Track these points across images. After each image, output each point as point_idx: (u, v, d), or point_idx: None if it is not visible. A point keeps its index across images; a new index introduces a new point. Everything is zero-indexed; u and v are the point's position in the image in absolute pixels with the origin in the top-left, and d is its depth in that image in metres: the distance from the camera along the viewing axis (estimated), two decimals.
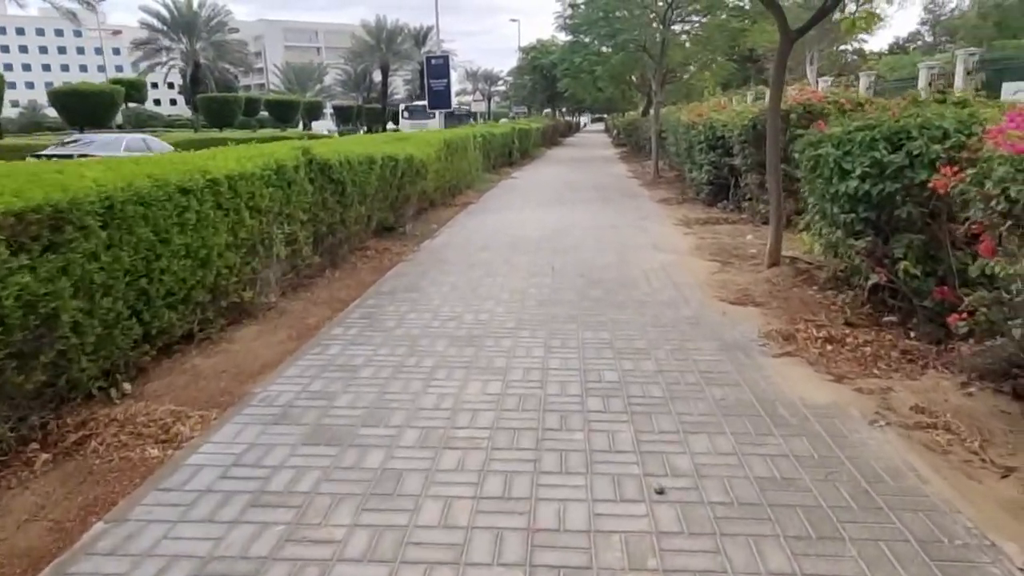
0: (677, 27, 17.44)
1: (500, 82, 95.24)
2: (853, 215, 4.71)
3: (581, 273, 7.21)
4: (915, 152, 4.32)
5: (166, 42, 45.04)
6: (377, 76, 73.90)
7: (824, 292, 6.08)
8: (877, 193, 4.46)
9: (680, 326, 5.36)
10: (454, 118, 42.35)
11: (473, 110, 49.58)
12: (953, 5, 59.29)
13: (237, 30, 46.14)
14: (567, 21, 16.72)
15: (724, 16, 16.39)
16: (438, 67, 34.81)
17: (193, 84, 45.10)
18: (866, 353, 4.57)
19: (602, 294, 6.38)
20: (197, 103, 43.48)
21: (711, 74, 23.78)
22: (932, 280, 4.58)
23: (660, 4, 16.60)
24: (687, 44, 18.51)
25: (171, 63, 46.46)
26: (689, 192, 13.56)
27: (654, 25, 16.80)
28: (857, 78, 31.41)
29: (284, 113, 51.93)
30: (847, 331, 4.99)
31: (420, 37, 76.26)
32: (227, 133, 39.43)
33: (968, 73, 20.33)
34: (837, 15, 7.21)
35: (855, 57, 55.14)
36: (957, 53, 21.00)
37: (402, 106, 52.66)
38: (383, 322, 5.56)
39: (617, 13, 17.07)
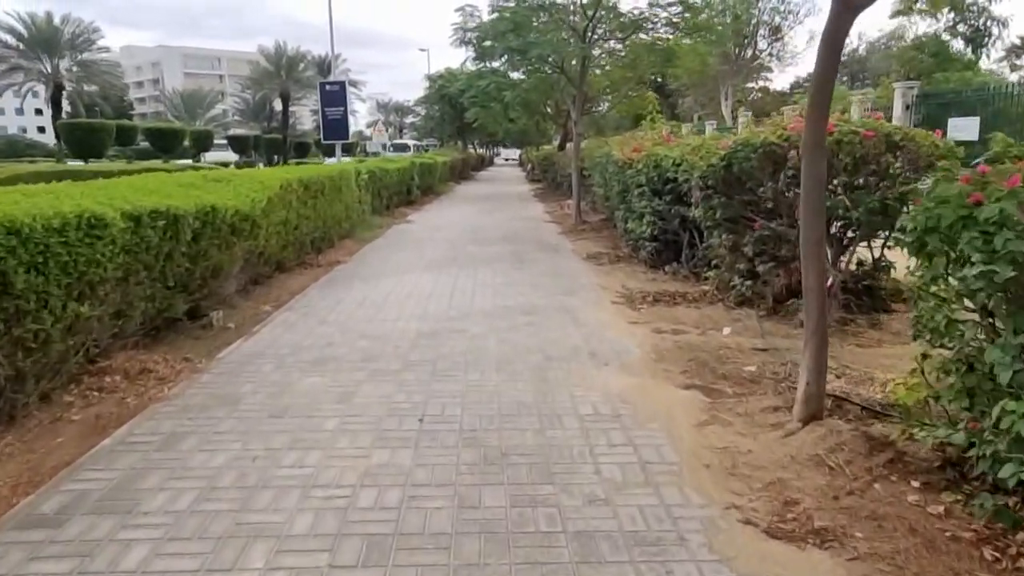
0: (597, 50, 14.74)
1: (411, 114, 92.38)
2: None
3: (471, 433, 3.97)
4: None
5: (23, 61, 39.49)
6: (279, 105, 69.59)
7: (937, 494, 3.09)
8: None
9: None
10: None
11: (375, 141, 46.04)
12: (853, 46, 60.98)
13: (108, 49, 41.21)
14: (466, 34, 13.70)
15: (651, 36, 13.78)
16: (334, 94, 31.36)
17: (55, 108, 39.66)
18: None
19: (508, 503, 3.15)
20: (58, 130, 38.11)
21: (629, 104, 21.46)
22: None
23: (578, 20, 13.85)
24: (608, 68, 15.84)
25: (29, 84, 40.86)
26: (623, 246, 10.66)
27: (572, 42, 14.01)
28: (776, 114, 29.88)
29: (167, 143, 46.94)
30: None
31: (325, 65, 72.32)
32: (94, 165, 34.49)
33: (907, 107, 18.70)
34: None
35: (760, 95, 55.40)
36: (895, 86, 19.41)
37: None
38: None
39: (532, 35, 14.17)
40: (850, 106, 20.00)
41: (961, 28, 29.97)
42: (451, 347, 5.69)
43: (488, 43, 14.41)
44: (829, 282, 5.90)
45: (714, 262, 7.29)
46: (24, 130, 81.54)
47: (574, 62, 15.08)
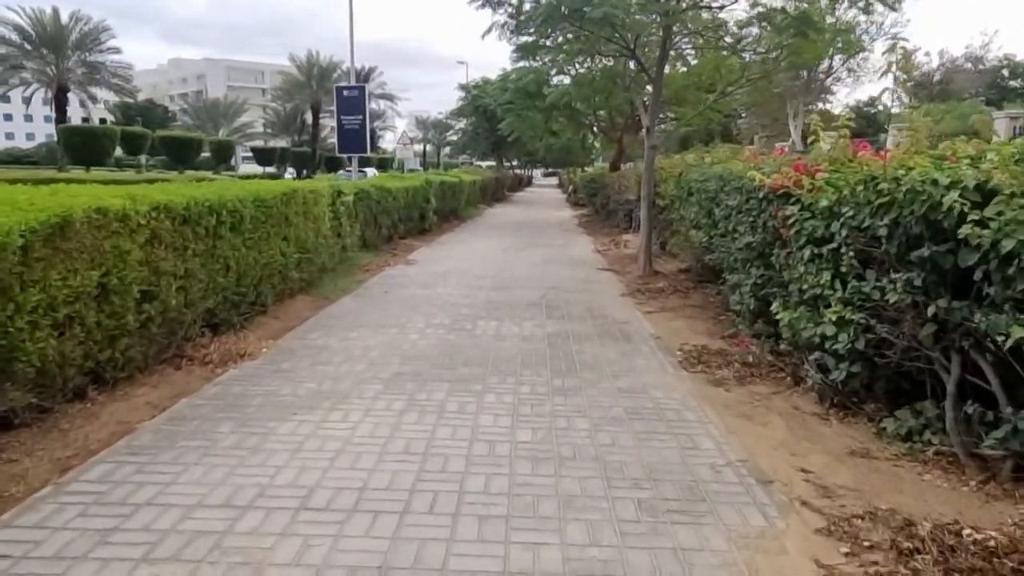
0: (684, 22, 10.11)
1: (452, 131, 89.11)
2: None
3: None
4: None
5: (26, 62, 36.46)
6: (311, 117, 66.36)
7: None
8: None
9: None
10: None
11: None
12: (933, 65, 55.74)
13: (119, 50, 38.13)
14: None
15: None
16: (352, 100, 27.39)
17: (59, 112, 36.53)
18: None
19: None
20: (59, 135, 34.93)
21: (701, 118, 16.87)
22: None
23: None
24: (700, 53, 11.16)
25: (33, 87, 37.83)
26: (747, 338, 6.03)
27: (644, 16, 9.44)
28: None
29: (183, 153, 43.70)
30: None
31: (360, 76, 69.04)
32: (96, 173, 31.00)
33: None
34: None
35: (818, 117, 50.26)
36: None
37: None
38: None
39: None
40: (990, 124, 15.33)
41: None
42: None
43: (527, 8, 9.73)
44: None
45: None
46: (11, 136, 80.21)
47: (651, 43, 10.51)
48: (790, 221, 4.67)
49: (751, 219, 5.56)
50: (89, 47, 37.26)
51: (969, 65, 58.77)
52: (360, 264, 10.84)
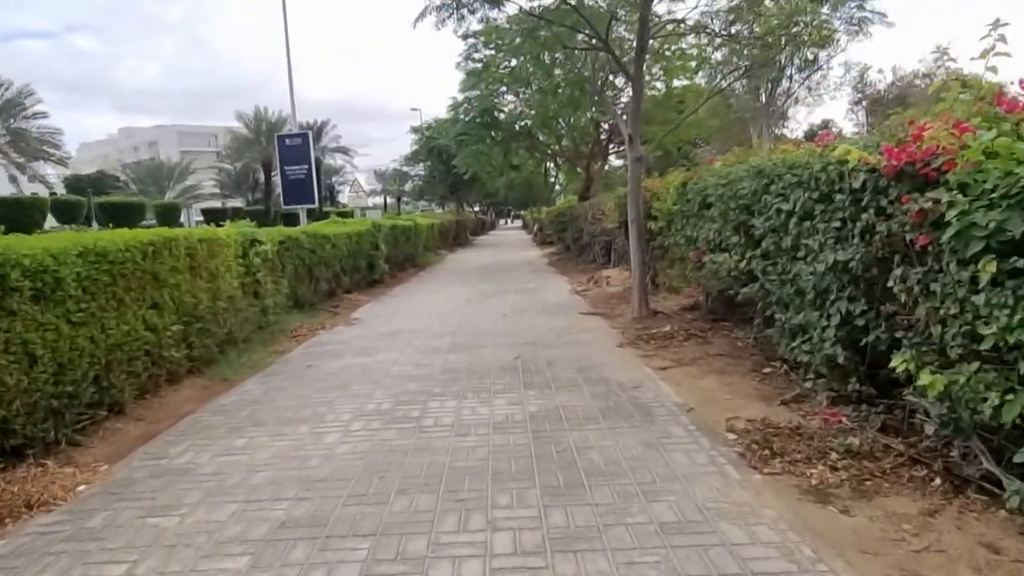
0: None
1: (409, 179, 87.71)
2: None
3: None
4: None
5: None
6: (263, 175, 64.17)
7: None
8: None
9: None
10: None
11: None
12: (888, 82, 55.99)
13: (45, 115, 35.72)
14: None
15: None
16: (295, 149, 25.52)
17: None
18: None
19: None
20: None
21: (679, 134, 15.27)
22: None
23: None
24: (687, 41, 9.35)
25: None
26: (825, 401, 4.01)
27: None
28: None
29: (123, 218, 40.99)
30: None
31: (314, 131, 67.31)
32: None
33: None
34: None
35: (772, 145, 49.76)
36: None
37: None
38: None
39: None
40: None
41: None
42: None
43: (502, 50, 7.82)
44: None
45: None
46: None
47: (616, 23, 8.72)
48: (947, 216, 2.66)
49: (837, 224, 3.57)
50: (14, 113, 34.79)
51: (919, 82, 59.33)
52: (287, 329, 8.65)
